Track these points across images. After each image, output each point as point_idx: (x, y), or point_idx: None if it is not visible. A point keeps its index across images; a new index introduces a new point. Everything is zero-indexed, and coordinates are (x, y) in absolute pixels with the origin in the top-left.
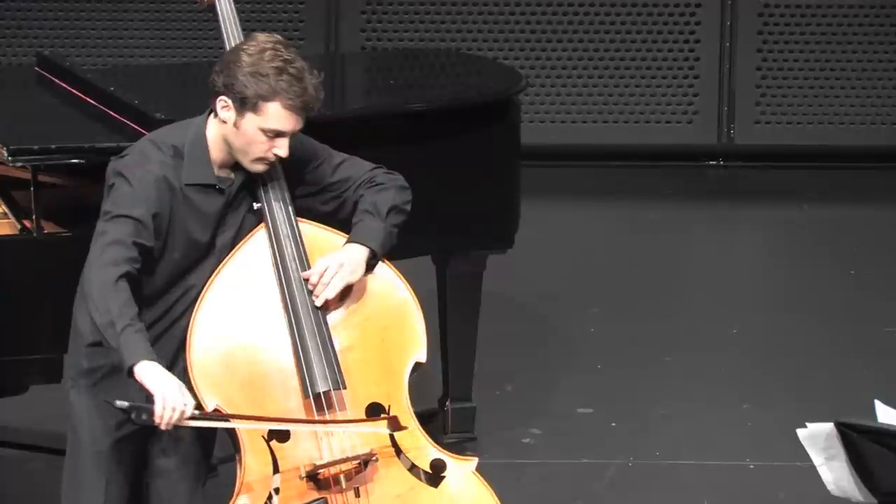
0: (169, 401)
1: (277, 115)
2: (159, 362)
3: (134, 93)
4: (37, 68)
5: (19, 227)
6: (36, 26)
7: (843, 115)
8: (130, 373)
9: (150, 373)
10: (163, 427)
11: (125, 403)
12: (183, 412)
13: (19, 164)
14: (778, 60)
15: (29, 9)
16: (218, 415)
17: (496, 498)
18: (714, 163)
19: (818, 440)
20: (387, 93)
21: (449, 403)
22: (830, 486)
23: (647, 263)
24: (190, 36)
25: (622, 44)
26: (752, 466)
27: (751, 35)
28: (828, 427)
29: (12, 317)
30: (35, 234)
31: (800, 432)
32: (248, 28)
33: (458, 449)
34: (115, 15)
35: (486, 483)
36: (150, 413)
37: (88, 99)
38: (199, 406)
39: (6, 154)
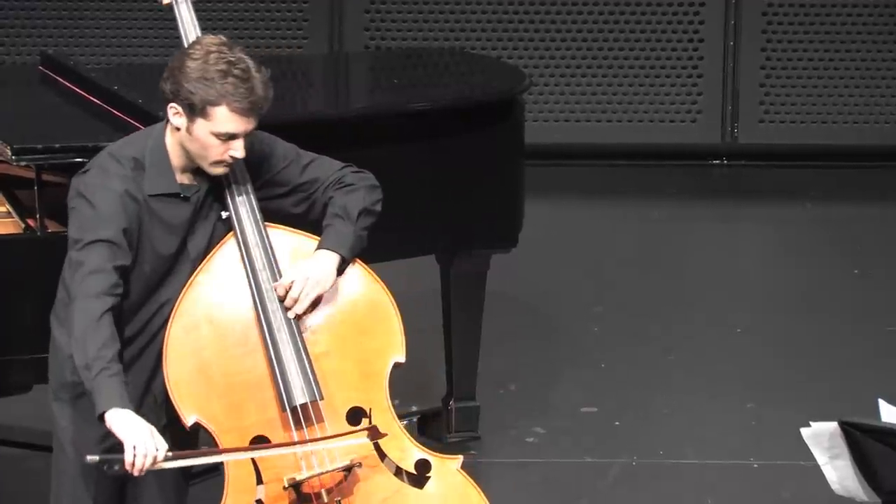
0: (140, 448)
1: (226, 118)
2: (131, 407)
3: (137, 91)
4: (40, 67)
5: (23, 225)
6: (40, 25)
7: (847, 114)
8: (101, 419)
9: (120, 421)
10: (135, 474)
11: (96, 458)
12: (155, 458)
13: (23, 163)
14: (782, 59)
15: (33, 7)
16: (190, 452)
17: (482, 494)
18: (718, 162)
19: (822, 439)
20: (391, 92)
21: (453, 402)
22: (834, 486)
23: (650, 262)
24: None
25: (626, 42)
26: (755, 465)
27: (755, 34)
28: (832, 426)
29: (16, 315)
30: (38, 233)
31: (804, 431)
32: (250, 27)
33: (461, 448)
34: (119, 14)
35: (471, 480)
36: (122, 463)
37: (92, 98)
38: (177, 428)
39: (10, 153)
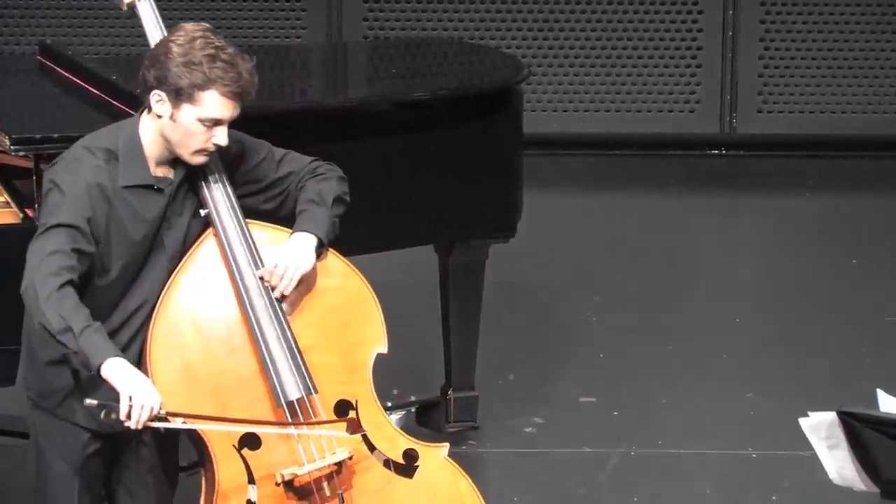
0: (136, 399)
1: (215, 102)
2: (124, 356)
3: (136, 81)
4: (39, 56)
5: (21, 215)
6: (38, 14)
7: (846, 104)
8: (98, 373)
9: (117, 372)
10: (132, 426)
11: (94, 402)
12: (152, 409)
13: (21, 153)
14: (780, 49)
15: None
16: (189, 414)
17: (470, 481)
18: (716, 152)
19: (820, 429)
20: (389, 81)
21: (451, 392)
22: (832, 475)
23: (648, 252)
24: None
25: (624, 32)
26: (754, 455)
27: (753, 24)
28: (830, 416)
29: (15, 305)
30: (36, 223)
31: (802, 421)
32: (249, 17)
33: (460, 437)
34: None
35: (458, 467)
36: (118, 411)
37: (90, 87)
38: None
39: (8, 143)
